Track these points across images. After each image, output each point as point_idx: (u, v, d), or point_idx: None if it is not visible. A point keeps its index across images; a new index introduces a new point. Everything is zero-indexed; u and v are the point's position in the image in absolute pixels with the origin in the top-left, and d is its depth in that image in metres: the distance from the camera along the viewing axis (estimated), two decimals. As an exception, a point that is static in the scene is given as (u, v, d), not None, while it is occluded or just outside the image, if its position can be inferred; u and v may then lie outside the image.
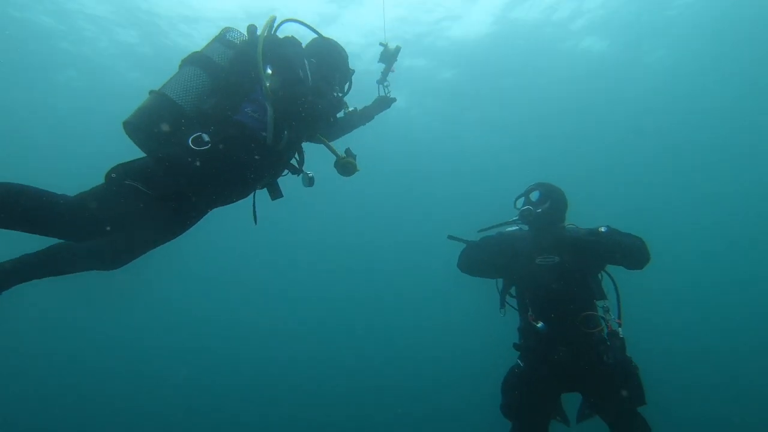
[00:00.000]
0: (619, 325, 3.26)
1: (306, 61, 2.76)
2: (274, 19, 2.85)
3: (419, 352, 18.56)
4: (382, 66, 3.45)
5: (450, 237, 3.65)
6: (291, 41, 2.85)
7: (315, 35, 3.18)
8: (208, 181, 2.48)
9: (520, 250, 3.48)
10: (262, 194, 2.95)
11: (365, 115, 3.43)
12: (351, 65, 3.23)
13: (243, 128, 2.56)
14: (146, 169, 2.41)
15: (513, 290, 3.62)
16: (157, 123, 2.48)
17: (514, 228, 3.63)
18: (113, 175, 2.39)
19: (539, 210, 3.43)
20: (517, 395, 3.39)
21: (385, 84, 3.48)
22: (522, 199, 3.58)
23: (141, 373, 15.57)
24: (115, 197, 2.32)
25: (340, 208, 22.28)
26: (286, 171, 2.92)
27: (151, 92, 2.60)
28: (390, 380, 16.33)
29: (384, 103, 3.47)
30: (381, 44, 3.43)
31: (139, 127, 2.51)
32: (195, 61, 2.69)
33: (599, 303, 3.33)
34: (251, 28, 2.82)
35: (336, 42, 3.16)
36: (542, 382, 3.33)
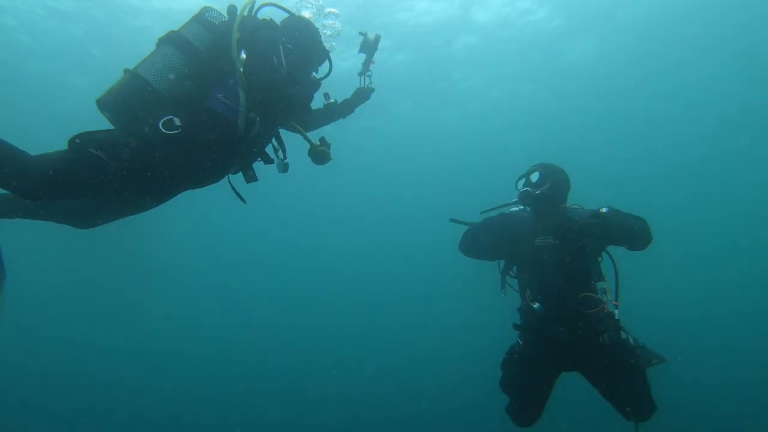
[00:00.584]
0: (616, 307, 3.29)
1: (281, 47, 2.75)
2: (253, 2, 2.84)
3: (419, 351, 18.57)
4: (363, 57, 3.45)
5: (452, 220, 3.65)
6: (268, 25, 2.82)
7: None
8: (173, 165, 2.50)
9: (521, 231, 3.50)
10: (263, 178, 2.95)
11: (346, 107, 3.44)
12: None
13: (214, 115, 2.58)
14: (112, 142, 2.40)
15: (514, 271, 3.65)
16: (130, 103, 2.50)
17: (516, 209, 3.62)
18: (77, 141, 2.37)
19: (538, 192, 3.42)
20: (514, 371, 3.48)
21: (366, 75, 3.48)
22: (523, 180, 3.58)
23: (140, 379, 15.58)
24: (75, 163, 2.31)
25: (335, 206, 22.43)
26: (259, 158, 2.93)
27: (125, 71, 2.60)
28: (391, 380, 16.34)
29: (363, 94, 3.47)
30: (360, 33, 3.42)
31: (111, 105, 2.53)
32: (172, 41, 2.66)
33: (599, 285, 3.34)
34: (231, 9, 2.81)
35: (309, 21, 3.15)
36: (540, 360, 3.40)
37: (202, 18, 2.77)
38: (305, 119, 3.12)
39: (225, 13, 2.84)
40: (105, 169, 2.34)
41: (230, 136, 2.61)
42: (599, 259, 3.45)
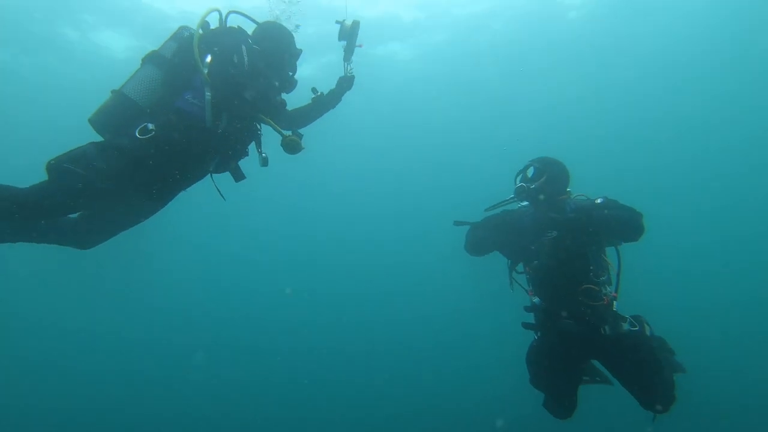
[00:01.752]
0: (615, 299, 3.29)
1: (244, 47, 2.98)
2: (220, 11, 3.14)
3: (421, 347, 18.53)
4: (345, 45, 3.50)
5: (456, 222, 3.69)
6: (230, 30, 3.10)
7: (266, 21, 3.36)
8: (150, 167, 2.74)
9: (521, 227, 3.53)
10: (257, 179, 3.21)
11: (333, 97, 3.55)
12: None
13: (182, 114, 2.85)
14: (83, 155, 2.67)
15: (520, 267, 3.65)
16: (116, 118, 2.82)
17: (519, 205, 3.66)
18: (52, 162, 2.65)
19: (533, 186, 3.45)
20: (539, 367, 3.51)
21: (348, 62, 3.54)
22: (521, 176, 3.61)
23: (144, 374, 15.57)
24: (53, 181, 2.62)
25: (336, 202, 22.41)
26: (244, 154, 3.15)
27: (112, 92, 2.91)
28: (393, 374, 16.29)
29: (345, 82, 3.57)
30: (337, 22, 3.49)
31: (100, 122, 2.86)
32: (150, 59, 2.99)
33: (601, 277, 3.33)
34: (205, 24, 3.09)
35: (281, 25, 3.39)
36: (558, 352, 3.40)
37: (177, 35, 3.08)
38: (280, 115, 3.28)
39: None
40: (80, 180, 2.60)
41: (199, 131, 2.83)
42: (603, 250, 3.44)
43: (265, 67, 3.09)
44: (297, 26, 3.54)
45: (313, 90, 3.53)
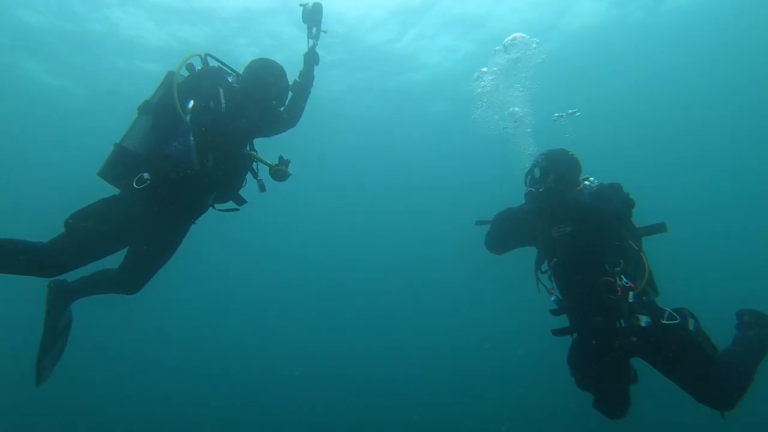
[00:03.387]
0: (630, 289, 3.04)
1: (221, 90, 3.18)
2: (194, 56, 3.37)
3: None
4: (309, 27, 3.64)
5: (478, 222, 3.69)
6: (208, 73, 3.32)
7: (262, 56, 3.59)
8: (154, 212, 3.02)
9: (536, 223, 3.44)
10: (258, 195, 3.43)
11: (306, 77, 3.64)
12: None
13: (171, 161, 3.08)
14: (93, 212, 2.98)
15: (545, 266, 3.55)
16: (118, 169, 3.12)
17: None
18: (70, 221, 2.93)
19: (541, 189, 3.39)
20: (582, 368, 3.35)
21: (313, 39, 3.64)
22: (529, 178, 3.57)
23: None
24: (73, 239, 2.89)
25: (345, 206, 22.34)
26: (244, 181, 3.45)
27: (114, 145, 3.20)
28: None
29: (311, 57, 3.67)
30: (301, 5, 3.64)
31: (107, 174, 3.16)
32: (143, 108, 3.26)
33: (617, 269, 3.14)
34: (190, 67, 3.34)
35: (269, 61, 3.57)
36: (597, 351, 3.23)
37: (165, 82, 3.32)
38: (278, 124, 3.49)
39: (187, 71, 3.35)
40: (96, 235, 2.91)
41: (190, 174, 3.08)
42: (626, 239, 3.25)
43: (247, 103, 3.28)
44: (324, 31, 3.67)
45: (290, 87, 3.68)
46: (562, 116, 4.14)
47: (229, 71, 3.50)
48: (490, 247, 3.70)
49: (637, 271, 3.16)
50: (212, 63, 3.51)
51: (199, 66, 3.41)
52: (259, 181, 3.41)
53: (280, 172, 3.25)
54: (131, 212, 2.98)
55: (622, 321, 3.04)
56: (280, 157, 3.32)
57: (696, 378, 3.08)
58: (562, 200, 3.34)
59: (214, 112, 3.04)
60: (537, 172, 3.47)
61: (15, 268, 2.79)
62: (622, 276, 3.07)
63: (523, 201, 3.50)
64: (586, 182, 3.38)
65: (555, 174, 3.39)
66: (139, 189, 2.98)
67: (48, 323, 3.23)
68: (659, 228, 3.39)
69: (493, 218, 3.63)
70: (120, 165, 3.12)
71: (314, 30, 3.62)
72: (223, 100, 3.11)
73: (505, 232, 3.59)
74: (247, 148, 3.41)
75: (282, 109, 3.57)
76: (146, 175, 3.00)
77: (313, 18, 3.60)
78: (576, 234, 3.23)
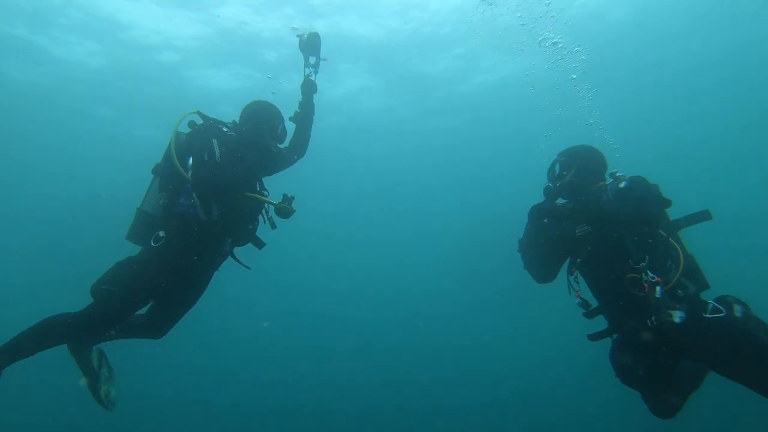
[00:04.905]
0: (657, 284, 2.81)
1: (215, 141, 3.30)
2: (189, 115, 3.49)
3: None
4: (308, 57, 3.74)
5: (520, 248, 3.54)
6: (200, 129, 3.42)
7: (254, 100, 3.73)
8: (173, 266, 3.18)
9: (562, 226, 3.30)
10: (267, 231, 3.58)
11: (307, 108, 3.78)
12: None
13: (180, 216, 3.27)
14: (114, 275, 3.16)
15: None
16: (141, 231, 3.36)
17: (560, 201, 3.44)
18: (93, 287, 3.13)
19: (559, 184, 3.32)
20: (625, 369, 3.16)
21: (308, 69, 3.74)
22: (549, 173, 3.48)
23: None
24: (98, 303, 3.11)
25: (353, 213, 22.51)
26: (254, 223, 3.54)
27: (136, 209, 3.45)
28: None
29: (309, 86, 3.78)
30: (297, 36, 3.72)
31: (133, 237, 3.40)
32: (156, 171, 3.48)
33: (642, 264, 2.91)
34: (191, 123, 3.46)
35: (262, 103, 3.72)
36: (640, 351, 3.06)
37: (170, 143, 3.42)
38: (281, 159, 3.68)
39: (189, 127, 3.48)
40: (120, 296, 3.10)
41: (199, 227, 3.24)
42: (646, 234, 3.03)
43: (243, 148, 3.43)
44: (325, 59, 3.81)
45: (291, 119, 3.78)
46: None
47: (224, 122, 3.61)
48: (541, 281, 3.47)
49: (670, 264, 2.94)
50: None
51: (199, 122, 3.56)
52: (269, 219, 3.53)
53: (284, 210, 3.35)
54: (152, 269, 3.16)
55: (652, 319, 2.79)
56: (284, 195, 3.43)
57: (758, 370, 2.74)
58: (580, 200, 3.21)
59: (209, 164, 3.19)
60: (557, 168, 3.40)
61: (54, 344, 3.08)
62: (648, 271, 2.86)
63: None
64: (614, 177, 3.24)
65: (576, 168, 3.29)
66: (156, 246, 3.19)
67: (83, 368, 3.36)
68: (702, 216, 3.15)
69: (520, 248, 3.43)
70: (141, 227, 3.39)
71: (312, 59, 3.73)
72: (217, 151, 3.26)
73: (541, 258, 3.38)
74: (257, 188, 3.56)
75: (282, 145, 3.73)
76: (161, 233, 3.22)
77: (311, 48, 3.71)
78: (597, 233, 3.10)
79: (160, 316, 3.51)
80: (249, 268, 3.58)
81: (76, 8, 11.47)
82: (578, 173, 3.30)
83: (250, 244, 3.56)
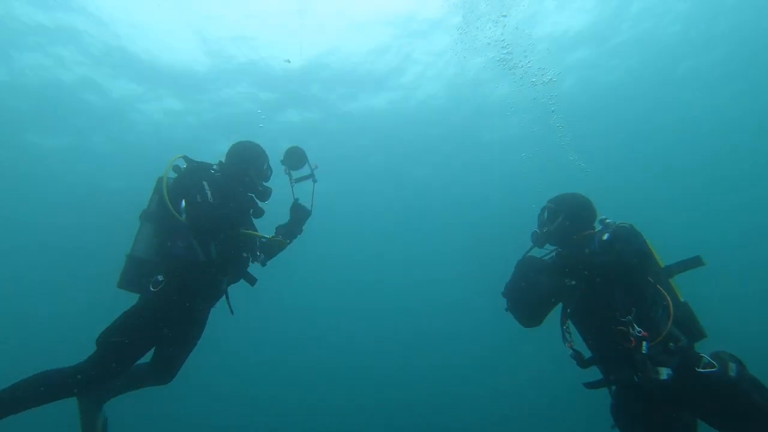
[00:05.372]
0: (644, 338, 2.73)
1: (205, 182, 3.37)
2: (177, 159, 3.56)
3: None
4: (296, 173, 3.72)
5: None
6: (189, 171, 3.48)
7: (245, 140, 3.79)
8: (174, 309, 3.18)
9: (551, 276, 3.17)
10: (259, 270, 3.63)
11: (293, 231, 3.67)
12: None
13: (179, 258, 3.27)
14: (119, 325, 3.12)
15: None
16: (135, 278, 3.34)
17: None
18: (99, 339, 3.07)
19: (545, 230, 3.33)
20: (625, 424, 3.02)
21: (294, 185, 3.73)
22: (538, 220, 3.48)
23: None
24: (105, 354, 3.04)
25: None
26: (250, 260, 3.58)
27: (126, 256, 3.42)
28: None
29: (298, 211, 3.70)
30: (281, 162, 3.70)
31: (126, 284, 3.37)
32: (144, 216, 3.48)
33: (629, 317, 2.84)
34: (177, 169, 3.52)
35: (246, 143, 3.77)
36: (639, 406, 2.91)
37: (156, 188, 3.51)
38: (266, 199, 3.74)
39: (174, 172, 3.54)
40: (128, 346, 3.07)
41: (198, 267, 3.27)
42: (632, 286, 2.97)
43: (231, 187, 3.53)
44: (315, 167, 3.78)
45: (276, 230, 3.69)
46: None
47: (211, 164, 3.69)
48: (526, 326, 3.34)
49: (660, 314, 2.84)
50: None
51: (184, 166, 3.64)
52: (259, 256, 3.57)
53: (278, 244, 3.50)
54: (155, 315, 3.16)
55: (639, 375, 2.72)
56: (276, 229, 3.57)
57: (746, 430, 2.64)
58: (564, 251, 3.19)
59: (203, 205, 3.27)
60: (546, 215, 3.41)
61: (60, 397, 2.98)
62: (635, 324, 2.78)
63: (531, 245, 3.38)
64: (603, 224, 3.21)
65: (564, 215, 3.30)
66: (156, 291, 3.17)
67: (86, 429, 3.26)
68: (694, 262, 3.08)
69: (506, 294, 3.30)
70: (135, 273, 3.36)
71: (298, 175, 3.76)
72: (208, 192, 3.34)
73: (528, 304, 3.26)
74: (248, 225, 3.63)
75: (266, 183, 3.79)
76: (160, 277, 3.20)
77: (296, 163, 3.70)
78: (583, 285, 3.02)
79: (166, 361, 3.49)
80: (233, 314, 3.58)
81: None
82: (565, 220, 3.30)
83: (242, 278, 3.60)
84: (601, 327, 2.93)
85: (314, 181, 3.75)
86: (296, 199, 3.73)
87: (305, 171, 3.75)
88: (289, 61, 4.12)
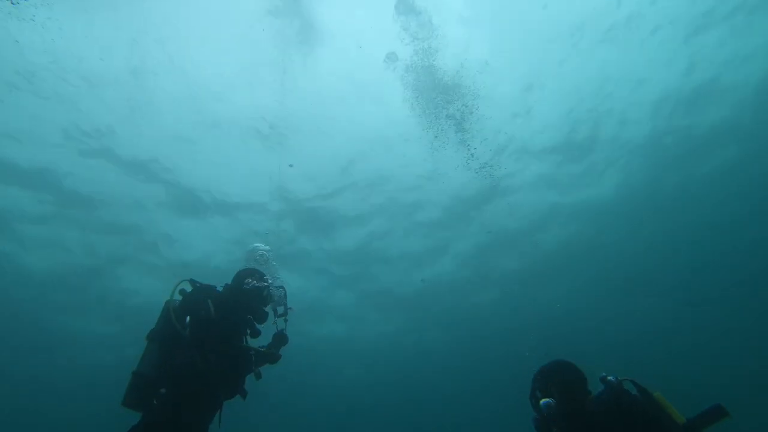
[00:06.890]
0: None
1: (209, 301, 3.68)
2: (182, 282, 3.90)
3: None
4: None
5: None
6: (196, 291, 3.83)
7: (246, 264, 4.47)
8: (177, 420, 3.33)
9: None
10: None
11: (269, 358, 3.94)
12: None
13: (183, 370, 3.44)
14: None
15: None
16: (139, 394, 3.51)
17: None
18: None
19: (546, 413, 3.07)
20: None
21: (279, 318, 4.05)
22: (532, 401, 3.29)
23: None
24: None
25: None
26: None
27: (132, 373, 3.59)
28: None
29: (279, 339, 4.07)
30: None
31: (131, 402, 3.52)
32: (150, 336, 3.73)
33: None
34: (183, 292, 3.84)
35: (250, 270, 4.18)
36: None
37: (164, 309, 3.79)
38: (261, 320, 4.07)
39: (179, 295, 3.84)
40: None
41: (198, 377, 3.44)
42: None
43: (232, 304, 3.81)
44: (290, 309, 4.18)
45: (262, 349, 4.02)
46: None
47: (215, 286, 4.00)
48: None
49: None
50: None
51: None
52: (256, 371, 3.82)
53: (272, 356, 3.80)
54: (164, 427, 3.32)
55: None
56: (271, 340, 3.92)
57: None
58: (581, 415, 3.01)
59: (205, 319, 3.55)
60: (538, 394, 3.20)
61: None
62: None
63: None
64: (604, 383, 3.04)
65: (557, 395, 3.09)
66: (159, 404, 3.38)
67: None
68: (717, 413, 2.82)
69: None
70: (138, 389, 3.55)
71: (281, 310, 4.08)
72: (212, 308, 3.64)
73: None
74: (245, 341, 3.90)
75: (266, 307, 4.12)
76: (163, 390, 3.42)
77: (278, 300, 4.08)
78: None
79: None
80: (219, 427, 3.75)
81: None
82: (561, 400, 3.09)
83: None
84: None
85: (286, 320, 4.13)
86: (282, 330, 4.11)
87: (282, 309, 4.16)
88: (291, 165, 4.83)
